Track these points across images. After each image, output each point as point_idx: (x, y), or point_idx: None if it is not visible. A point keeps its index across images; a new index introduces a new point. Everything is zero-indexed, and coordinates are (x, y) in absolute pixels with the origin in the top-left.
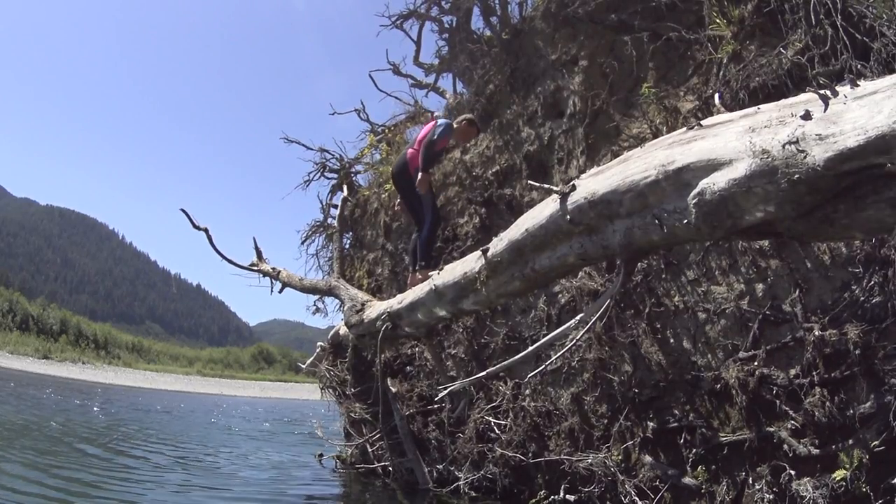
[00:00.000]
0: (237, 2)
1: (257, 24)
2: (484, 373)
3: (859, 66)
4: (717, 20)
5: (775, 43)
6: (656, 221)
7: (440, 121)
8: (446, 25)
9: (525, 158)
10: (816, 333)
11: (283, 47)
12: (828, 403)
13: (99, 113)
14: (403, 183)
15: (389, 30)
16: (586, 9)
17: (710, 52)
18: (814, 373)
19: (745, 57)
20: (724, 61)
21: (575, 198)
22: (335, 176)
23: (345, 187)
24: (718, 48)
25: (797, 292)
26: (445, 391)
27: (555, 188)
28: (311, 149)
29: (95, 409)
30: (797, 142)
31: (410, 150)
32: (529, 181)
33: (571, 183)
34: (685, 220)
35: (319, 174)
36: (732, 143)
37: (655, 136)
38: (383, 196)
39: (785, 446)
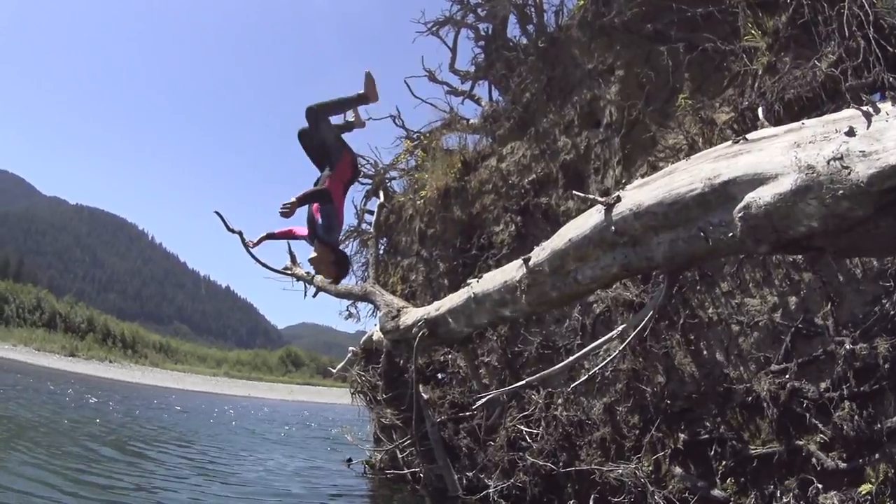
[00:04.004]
0: (263, 4)
1: (281, 24)
2: (524, 381)
3: (891, 78)
4: (752, 31)
5: (809, 55)
6: (701, 234)
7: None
8: (482, 33)
9: (561, 167)
10: (847, 347)
11: (307, 48)
12: (856, 417)
13: (129, 114)
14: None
15: (425, 36)
16: (622, 18)
17: (746, 63)
18: (844, 386)
19: (779, 69)
20: (760, 73)
21: (620, 209)
22: (370, 181)
23: (381, 193)
24: (753, 59)
25: (829, 306)
26: (484, 399)
27: (600, 198)
28: None
29: (110, 405)
30: (841, 158)
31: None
32: (574, 191)
33: (616, 194)
34: (730, 234)
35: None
36: (778, 157)
37: (691, 148)
38: (418, 203)
39: (813, 460)
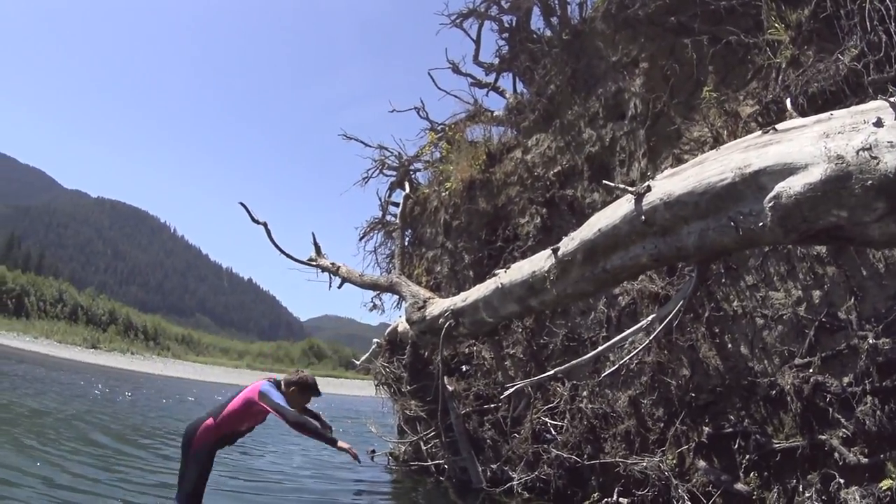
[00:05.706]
0: None
1: (297, 16)
2: (549, 373)
3: None
4: (775, 24)
5: (832, 48)
6: (732, 224)
7: (264, 386)
8: (506, 25)
9: (586, 159)
10: (870, 342)
11: (326, 40)
12: (878, 412)
13: (151, 106)
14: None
15: (449, 28)
16: (646, 11)
17: (769, 56)
18: (866, 381)
19: (803, 62)
20: (783, 66)
21: (650, 199)
22: (394, 173)
23: (406, 185)
24: (777, 53)
25: (852, 300)
26: (511, 390)
27: (630, 188)
28: (370, 146)
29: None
30: (870, 148)
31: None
32: (605, 181)
33: (647, 184)
34: (760, 223)
35: (378, 171)
36: (808, 148)
37: (716, 140)
38: (443, 194)
39: (836, 454)
